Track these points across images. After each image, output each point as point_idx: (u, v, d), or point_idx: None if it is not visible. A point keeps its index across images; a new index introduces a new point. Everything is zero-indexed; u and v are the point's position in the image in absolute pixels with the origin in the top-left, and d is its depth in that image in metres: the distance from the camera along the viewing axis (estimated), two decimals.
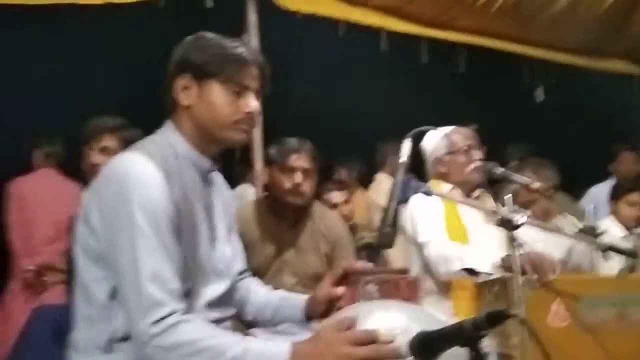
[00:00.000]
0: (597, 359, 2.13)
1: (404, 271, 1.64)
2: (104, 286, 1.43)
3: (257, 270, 2.35)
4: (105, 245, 1.42)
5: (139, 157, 1.44)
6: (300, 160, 2.59)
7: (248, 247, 1.88)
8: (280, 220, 2.65)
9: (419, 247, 2.58)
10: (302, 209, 2.67)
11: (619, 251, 2.01)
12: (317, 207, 2.76)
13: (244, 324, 1.82)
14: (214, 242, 1.58)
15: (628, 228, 3.58)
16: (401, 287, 1.54)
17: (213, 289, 1.54)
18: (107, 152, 2.39)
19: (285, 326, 1.94)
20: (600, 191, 4.37)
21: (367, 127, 4.74)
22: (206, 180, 1.59)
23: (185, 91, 1.52)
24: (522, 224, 1.69)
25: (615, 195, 3.69)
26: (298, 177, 2.57)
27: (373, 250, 3.14)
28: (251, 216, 2.66)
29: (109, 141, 2.42)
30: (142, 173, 1.41)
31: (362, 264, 1.65)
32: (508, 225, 1.72)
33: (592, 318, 2.26)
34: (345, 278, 1.62)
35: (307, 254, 2.64)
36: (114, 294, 1.42)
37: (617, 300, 2.32)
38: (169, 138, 1.54)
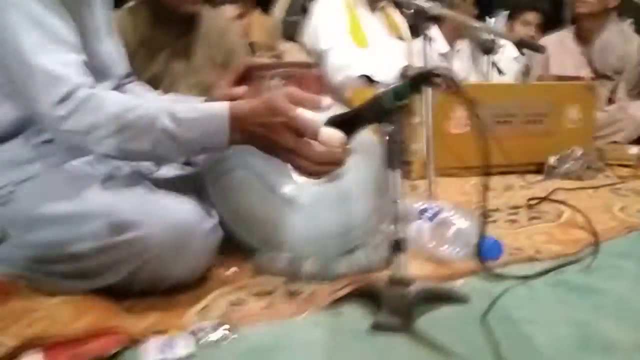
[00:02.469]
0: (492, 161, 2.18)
1: (307, 65, 1.51)
2: None
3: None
4: None
5: None
6: None
7: (133, 60, 1.63)
8: (166, 29, 2.30)
9: (320, 56, 2.44)
10: (191, 15, 2.33)
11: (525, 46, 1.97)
12: (207, 13, 2.42)
13: None
14: (97, 33, 1.38)
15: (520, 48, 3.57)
16: (307, 81, 1.41)
17: (100, 88, 1.31)
18: None
19: None
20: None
21: None
22: None
23: None
24: (437, 16, 1.58)
25: (512, 13, 3.65)
26: None
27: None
28: (131, 25, 2.28)
29: None
30: None
31: (264, 59, 1.49)
32: (420, 15, 1.60)
33: (491, 124, 2.32)
34: (245, 76, 1.46)
35: (200, 65, 2.36)
36: None
37: (515, 108, 2.43)
38: None
